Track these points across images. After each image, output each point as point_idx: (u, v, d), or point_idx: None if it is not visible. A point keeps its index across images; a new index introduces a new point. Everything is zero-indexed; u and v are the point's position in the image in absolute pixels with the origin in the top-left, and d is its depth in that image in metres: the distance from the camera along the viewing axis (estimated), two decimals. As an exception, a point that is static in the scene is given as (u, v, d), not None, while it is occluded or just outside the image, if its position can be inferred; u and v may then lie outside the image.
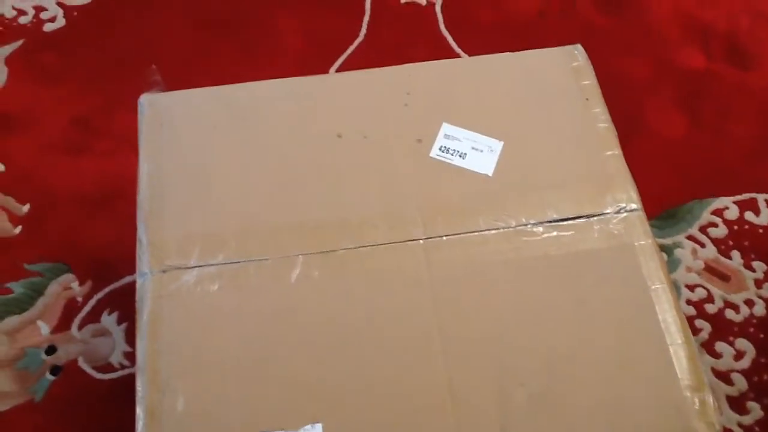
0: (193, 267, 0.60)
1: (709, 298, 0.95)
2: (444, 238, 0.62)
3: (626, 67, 1.13)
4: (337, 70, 1.11)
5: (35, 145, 1.05)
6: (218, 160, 0.66)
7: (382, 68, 0.72)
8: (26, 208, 0.99)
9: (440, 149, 0.67)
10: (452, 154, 0.66)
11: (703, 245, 0.98)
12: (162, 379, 0.56)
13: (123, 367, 0.89)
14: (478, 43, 1.14)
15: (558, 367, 0.57)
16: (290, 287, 0.60)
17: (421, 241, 0.62)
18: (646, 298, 0.60)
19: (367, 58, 1.13)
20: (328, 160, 0.66)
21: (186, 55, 1.14)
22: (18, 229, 0.97)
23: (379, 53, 1.14)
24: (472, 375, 0.57)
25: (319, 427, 0.55)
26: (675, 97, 1.11)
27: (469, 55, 1.13)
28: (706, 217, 1.00)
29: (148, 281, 0.60)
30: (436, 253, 0.62)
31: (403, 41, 1.16)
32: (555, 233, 0.63)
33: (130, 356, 0.89)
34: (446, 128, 0.68)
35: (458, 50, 1.14)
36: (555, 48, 0.73)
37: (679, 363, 0.57)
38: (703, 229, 1.00)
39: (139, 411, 0.55)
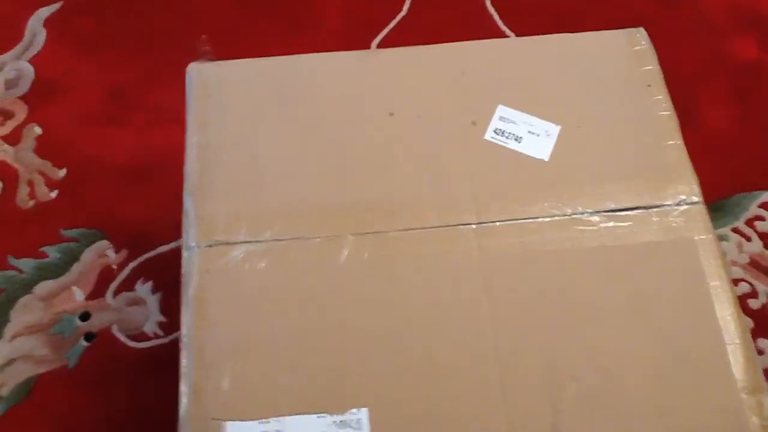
0: (240, 243, 0.59)
1: (753, 293, 0.93)
2: (497, 223, 0.60)
3: (676, 57, 1.10)
4: (378, 47, 1.09)
5: (72, 113, 1.04)
6: (267, 134, 0.64)
7: (434, 45, 0.70)
8: (63, 172, 0.98)
9: (495, 132, 0.65)
10: (507, 138, 0.64)
11: (749, 239, 0.96)
12: (207, 357, 0.55)
13: (157, 336, 0.88)
14: (526, 23, 1.11)
15: (611, 363, 0.56)
16: (339, 268, 0.58)
17: (473, 226, 0.60)
18: (704, 295, 0.58)
19: (409, 36, 1.11)
20: (380, 139, 0.64)
21: (227, 30, 1.12)
22: (54, 194, 0.97)
23: (422, 30, 1.12)
24: (523, 368, 0.55)
25: (365, 411, 0.54)
26: (726, 88, 1.07)
27: (516, 35, 1.10)
28: (753, 210, 0.98)
29: (194, 255, 0.58)
30: (488, 240, 0.60)
31: (448, 18, 1.13)
32: (612, 224, 0.61)
33: (164, 326, 0.89)
34: (502, 110, 0.66)
35: (505, 29, 1.11)
36: (616, 30, 0.70)
37: (737, 364, 0.55)
38: (749, 223, 0.97)
39: (183, 387, 0.54)
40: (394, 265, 0.59)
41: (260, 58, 0.69)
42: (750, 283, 0.93)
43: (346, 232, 0.59)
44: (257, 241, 0.59)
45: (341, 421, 0.53)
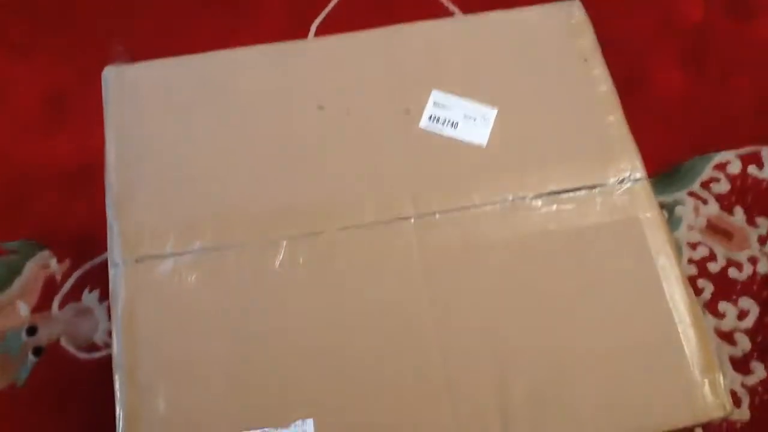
0: (168, 255, 0.56)
1: (712, 257, 0.92)
2: (436, 215, 0.58)
3: (624, 23, 1.07)
4: (318, 28, 1.05)
5: (5, 121, 0.99)
6: (191, 137, 0.61)
7: (364, 31, 0.67)
8: (-2, 184, 0.95)
9: (430, 119, 0.62)
10: (443, 124, 0.62)
11: (705, 201, 0.95)
12: (140, 378, 0.53)
13: (107, 346, 0.85)
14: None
15: (561, 354, 0.54)
16: (274, 275, 0.56)
17: (412, 220, 0.58)
18: (653, 275, 0.56)
19: (350, 15, 1.07)
20: (310, 135, 0.61)
21: (160, 20, 1.08)
22: (-9, 206, 0.93)
23: (364, 9, 1.08)
24: (470, 367, 0.54)
25: (310, 422, 0.52)
26: (675, 51, 1.05)
27: (461, 10, 1.07)
28: (708, 172, 0.97)
29: (120, 272, 0.56)
30: (429, 232, 0.58)
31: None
32: (555, 207, 0.59)
33: (114, 336, 0.86)
34: (436, 95, 0.63)
35: (449, 5, 1.07)
36: (550, 4, 0.68)
37: (689, 343, 0.54)
38: (705, 185, 0.96)
39: (119, 411, 0.52)
40: (331, 268, 0.56)
41: (181, 56, 0.65)
42: (708, 247, 0.92)
43: (279, 237, 0.57)
44: (186, 253, 0.56)
45: (285, 436, 0.51)
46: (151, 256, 0.56)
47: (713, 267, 0.91)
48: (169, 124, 0.62)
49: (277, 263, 0.56)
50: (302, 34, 1.05)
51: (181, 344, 0.54)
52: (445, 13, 1.05)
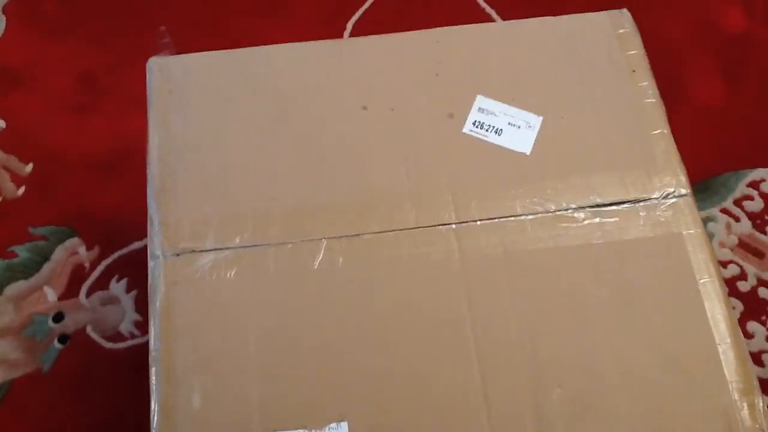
0: (208, 250, 0.56)
1: (742, 276, 0.91)
2: (477, 222, 0.58)
3: (663, 30, 1.06)
4: (353, 26, 1.05)
5: (39, 103, 0.99)
6: (233, 133, 0.61)
7: (409, 32, 0.67)
8: (29, 167, 0.95)
9: (474, 124, 0.62)
10: (487, 130, 0.61)
11: (737, 219, 0.94)
12: (177, 372, 0.52)
13: (133, 336, 0.86)
14: (510, 2, 1.07)
15: (598, 366, 0.54)
16: (312, 274, 0.55)
17: (453, 226, 0.58)
18: (694, 292, 0.56)
19: (386, 15, 1.07)
20: (353, 135, 0.61)
21: (197, 10, 1.08)
22: (21, 190, 0.93)
23: (399, 10, 1.08)
24: (506, 374, 0.53)
25: (344, 426, 0.51)
26: (714, 62, 1.04)
27: (499, 14, 1.06)
28: (741, 189, 0.96)
29: (160, 265, 0.56)
30: (469, 240, 0.57)
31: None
32: (597, 220, 0.58)
33: (140, 325, 0.86)
34: (480, 101, 0.63)
35: (485, 7, 1.07)
36: (599, 12, 0.67)
37: (728, 364, 0.54)
38: (738, 202, 0.95)
39: (153, 404, 0.52)
40: (370, 270, 0.56)
41: (225, 51, 0.65)
42: (739, 265, 0.91)
43: (319, 236, 0.57)
44: (226, 248, 0.56)
45: (319, 437, 0.51)
46: (191, 250, 0.56)
47: (743, 286, 0.90)
48: (212, 117, 0.62)
49: (317, 263, 0.56)
50: (336, 32, 1.05)
51: (218, 340, 0.54)
52: (484, 17, 1.05)
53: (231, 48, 0.65)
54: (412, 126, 0.61)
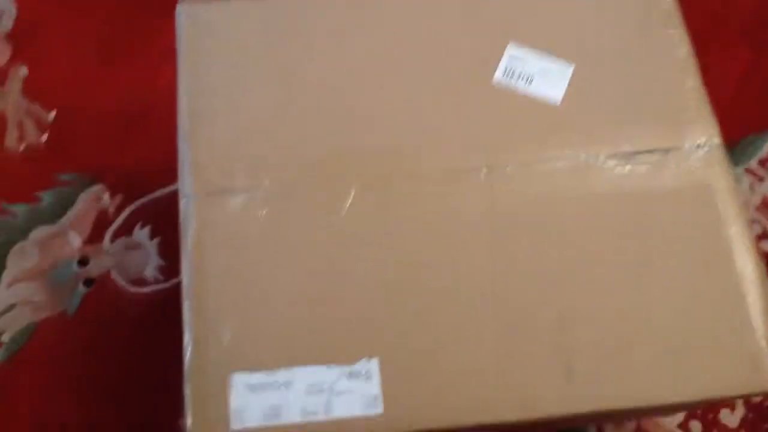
0: (239, 191, 0.56)
1: (765, 235, 0.91)
2: (507, 169, 0.58)
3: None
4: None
5: (61, 51, 0.99)
6: (263, 77, 0.61)
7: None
8: (53, 114, 0.95)
9: (505, 72, 0.61)
10: (518, 78, 0.61)
11: (761, 179, 0.94)
12: (208, 309, 0.53)
13: (157, 281, 0.86)
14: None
15: (624, 313, 0.54)
16: (342, 215, 0.56)
17: (483, 172, 0.58)
18: (723, 242, 0.56)
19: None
20: (382, 80, 0.61)
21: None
22: (45, 137, 0.94)
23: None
24: (533, 317, 0.54)
25: (374, 362, 0.52)
26: (737, 26, 1.03)
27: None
28: (767, 149, 0.95)
29: (191, 204, 0.56)
30: (498, 186, 0.57)
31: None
32: (628, 168, 0.58)
33: (164, 270, 0.87)
34: (512, 49, 0.62)
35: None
36: (634, -38, 0.66)
37: (755, 313, 0.54)
38: (762, 163, 0.94)
39: (187, 337, 0.53)
40: (400, 213, 0.56)
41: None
42: (762, 225, 0.91)
43: (348, 178, 0.57)
44: (256, 189, 0.56)
45: (351, 372, 0.52)
46: (222, 190, 0.56)
47: (767, 245, 0.90)
48: (241, 62, 0.61)
49: (347, 204, 0.56)
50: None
51: (249, 277, 0.54)
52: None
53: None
54: (442, 71, 0.61)
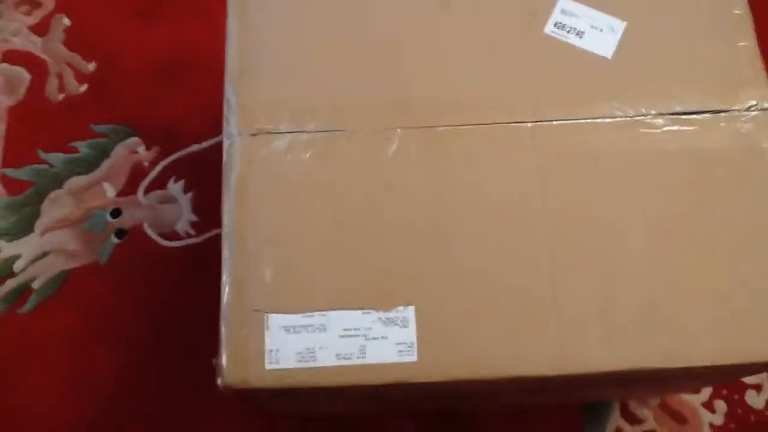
0: (284, 133, 0.56)
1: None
2: (554, 122, 0.57)
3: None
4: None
5: (103, 3, 0.99)
6: (312, 23, 0.60)
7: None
8: (92, 66, 0.95)
9: (555, 25, 0.60)
10: (568, 32, 0.60)
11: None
12: (249, 247, 0.53)
13: (189, 236, 0.87)
14: None
15: (670, 273, 0.53)
16: (386, 162, 0.55)
17: (529, 125, 0.57)
18: (772, 205, 0.55)
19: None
20: (432, 30, 0.60)
21: None
22: (83, 88, 0.94)
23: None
24: (577, 273, 0.53)
25: (411, 309, 0.52)
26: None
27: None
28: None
29: (236, 143, 0.56)
30: (545, 139, 0.56)
31: None
32: (676, 128, 0.57)
33: (196, 225, 0.87)
34: (564, 3, 0.61)
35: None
36: None
37: (803, 277, 0.53)
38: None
39: (225, 277, 0.52)
40: (443, 162, 0.56)
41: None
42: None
43: (394, 126, 0.56)
44: (301, 131, 0.56)
45: (387, 318, 0.51)
46: (267, 131, 0.56)
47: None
48: (290, 4, 0.61)
49: (390, 151, 0.56)
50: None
51: (291, 218, 0.54)
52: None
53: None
54: (493, 24, 0.60)
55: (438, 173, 0.55)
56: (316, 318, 0.51)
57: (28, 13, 0.98)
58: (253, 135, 0.56)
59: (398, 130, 0.56)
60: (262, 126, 0.56)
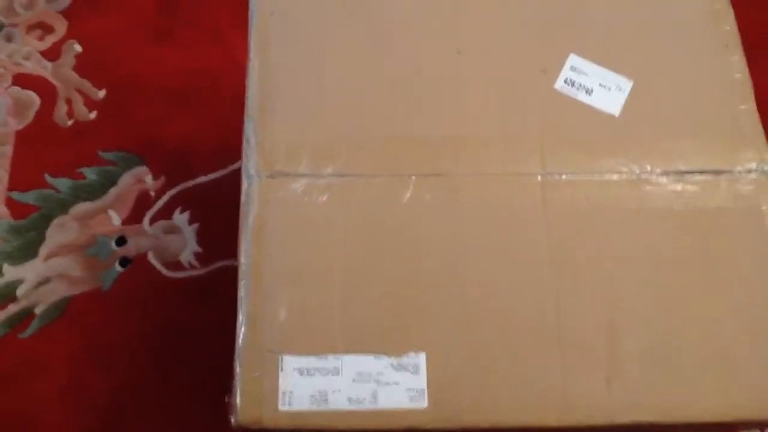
0: (302, 175, 0.57)
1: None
2: (563, 176, 0.59)
3: (743, 19, 1.06)
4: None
5: (117, 29, 1.01)
6: (332, 61, 0.62)
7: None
8: (102, 93, 0.96)
9: (565, 81, 0.63)
10: (578, 89, 0.62)
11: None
12: (265, 286, 0.54)
13: (192, 267, 0.87)
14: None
15: (673, 322, 0.55)
16: (400, 208, 0.57)
17: (539, 177, 0.59)
18: (771, 263, 0.57)
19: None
20: (446, 75, 0.62)
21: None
22: (93, 114, 0.95)
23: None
24: (582, 320, 0.55)
25: (422, 356, 0.53)
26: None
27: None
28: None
29: (255, 184, 0.57)
30: (554, 192, 0.58)
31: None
32: (680, 186, 0.59)
33: (200, 257, 0.88)
34: (573, 60, 0.63)
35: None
36: (695, -13, 0.68)
37: (801, 332, 0.55)
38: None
39: (241, 316, 0.53)
40: (455, 210, 0.57)
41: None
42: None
43: (409, 172, 0.58)
44: (319, 175, 0.57)
45: (399, 364, 0.53)
46: (285, 173, 0.57)
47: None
48: (311, 45, 0.63)
49: (405, 198, 0.57)
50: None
51: (306, 259, 0.55)
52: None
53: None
54: (505, 75, 0.62)
55: (450, 221, 0.57)
56: (330, 361, 0.53)
57: (40, 38, 0.99)
58: (272, 177, 0.57)
59: (413, 177, 0.58)
60: (280, 168, 0.58)
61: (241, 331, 0.53)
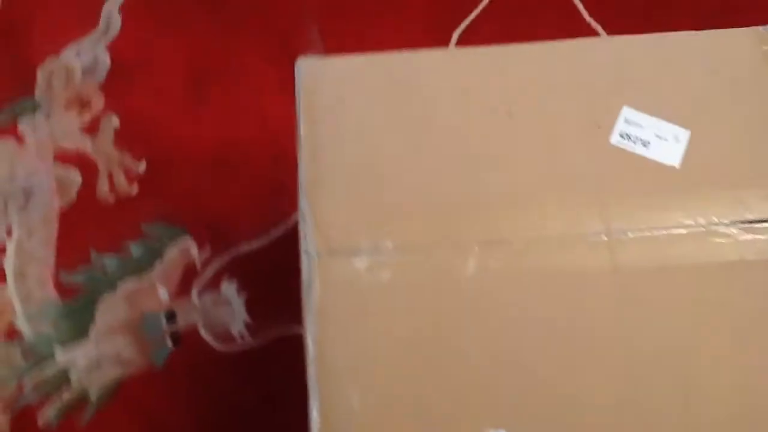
0: (362, 253, 0.56)
1: None
2: (629, 234, 0.57)
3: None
4: (462, 33, 1.05)
5: (151, 102, 1.01)
6: (380, 134, 0.61)
7: (548, 42, 0.67)
8: (143, 165, 0.96)
9: (621, 135, 0.61)
10: (634, 142, 0.61)
11: None
12: (334, 373, 0.53)
13: (244, 338, 0.86)
14: (614, 16, 1.06)
15: (754, 384, 0.53)
16: (464, 281, 0.55)
17: (604, 237, 0.57)
18: None
19: (492, 26, 1.07)
20: (498, 140, 0.61)
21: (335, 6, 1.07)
22: (135, 188, 0.95)
23: (504, 22, 1.08)
24: (657, 391, 0.53)
25: (500, 435, 0.51)
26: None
27: (605, 28, 1.05)
28: None
29: (315, 263, 0.56)
30: (621, 253, 0.57)
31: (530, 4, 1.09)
32: (750, 236, 0.57)
33: (251, 328, 0.87)
34: (627, 112, 0.62)
35: (591, 22, 1.07)
36: (743, 29, 0.66)
37: None
38: None
39: (313, 408, 0.52)
40: (522, 278, 0.56)
41: (369, 55, 0.66)
42: None
43: (470, 241, 0.57)
44: (379, 251, 0.56)
45: (477, 449, 0.51)
46: (345, 252, 0.56)
47: None
48: (359, 119, 0.62)
49: (470, 270, 0.56)
50: (443, 41, 1.05)
51: (372, 343, 0.54)
52: (590, 31, 1.04)
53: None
54: (559, 134, 0.61)
55: (517, 289, 0.55)
56: (407, 448, 0.51)
57: (78, 114, 1.00)
58: (331, 255, 0.56)
59: (475, 246, 0.57)
60: (339, 245, 0.57)
61: (317, 421, 0.52)
